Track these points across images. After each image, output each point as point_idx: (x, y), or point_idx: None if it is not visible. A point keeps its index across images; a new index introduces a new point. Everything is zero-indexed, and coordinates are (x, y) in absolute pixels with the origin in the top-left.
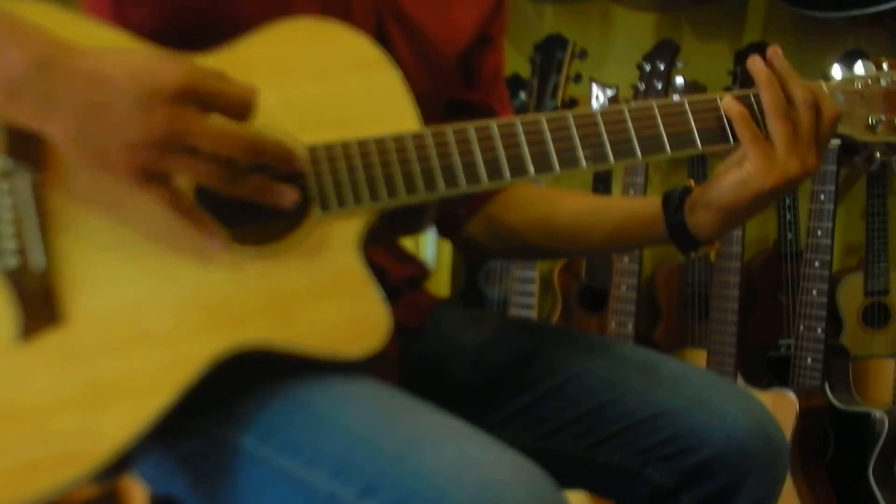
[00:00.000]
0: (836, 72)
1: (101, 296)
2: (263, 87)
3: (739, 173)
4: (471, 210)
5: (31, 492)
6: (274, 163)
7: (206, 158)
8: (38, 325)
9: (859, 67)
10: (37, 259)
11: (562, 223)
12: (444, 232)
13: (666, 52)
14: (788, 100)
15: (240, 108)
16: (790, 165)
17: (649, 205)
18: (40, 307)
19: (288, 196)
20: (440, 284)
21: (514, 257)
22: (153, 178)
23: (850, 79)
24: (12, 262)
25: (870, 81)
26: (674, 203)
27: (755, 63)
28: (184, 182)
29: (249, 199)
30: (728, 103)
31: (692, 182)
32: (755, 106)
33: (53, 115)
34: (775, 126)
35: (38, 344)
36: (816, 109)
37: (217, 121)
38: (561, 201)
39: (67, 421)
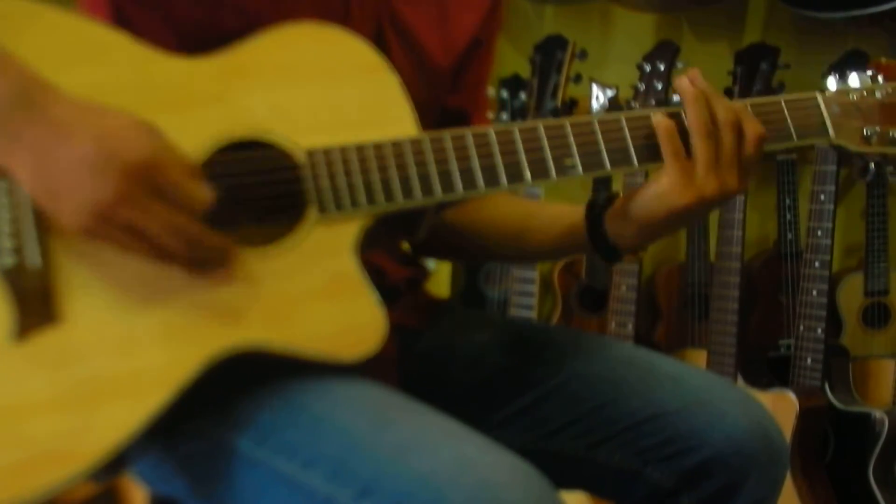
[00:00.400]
0: (832, 83)
1: (97, 296)
2: (263, 90)
3: (657, 187)
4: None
5: (26, 490)
6: (212, 260)
7: (146, 240)
8: (34, 324)
9: (854, 79)
10: (33, 258)
11: (507, 225)
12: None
13: (666, 52)
14: (713, 120)
15: (191, 206)
16: (707, 186)
17: (576, 212)
18: (36, 306)
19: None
20: (440, 285)
21: (455, 258)
22: (98, 237)
23: (845, 90)
24: (9, 260)
25: (865, 93)
26: (596, 212)
27: (681, 82)
28: None
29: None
30: (656, 118)
31: (619, 191)
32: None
33: (15, 154)
34: (696, 144)
35: (34, 343)
36: (739, 131)
37: (164, 209)
38: (505, 204)
39: (63, 420)
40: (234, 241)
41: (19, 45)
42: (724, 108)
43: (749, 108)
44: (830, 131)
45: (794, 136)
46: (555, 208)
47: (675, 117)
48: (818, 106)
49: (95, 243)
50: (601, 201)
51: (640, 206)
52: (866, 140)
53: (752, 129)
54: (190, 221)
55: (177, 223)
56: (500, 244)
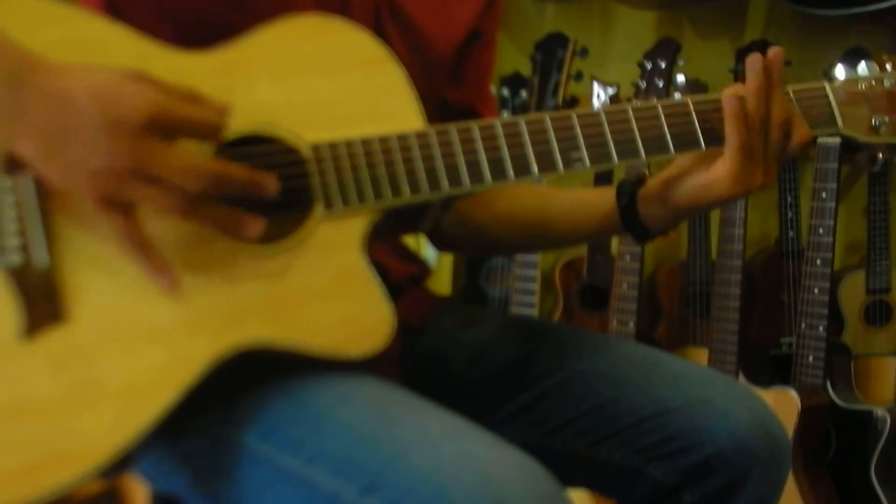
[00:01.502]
0: (840, 72)
1: (104, 294)
2: (267, 84)
3: (706, 177)
4: (445, 207)
5: (34, 491)
6: (243, 191)
7: (169, 189)
8: (40, 323)
9: (863, 68)
10: (40, 256)
11: (524, 217)
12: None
13: (667, 50)
14: (768, 115)
15: (207, 131)
16: (755, 177)
17: (605, 195)
18: (43, 305)
19: (252, 228)
20: (441, 283)
21: (481, 251)
22: (114, 205)
23: (853, 80)
24: (15, 259)
25: (873, 82)
26: (626, 194)
27: (755, 64)
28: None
29: (215, 229)
30: (728, 98)
31: (647, 172)
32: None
33: (19, 134)
34: (754, 137)
35: (41, 342)
36: (787, 130)
37: (183, 150)
38: (523, 195)
39: (70, 420)
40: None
41: (12, 38)
42: (780, 107)
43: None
44: (839, 121)
45: None
46: (576, 193)
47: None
48: (826, 95)
49: (105, 239)
50: (630, 185)
51: (682, 194)
52: (875, 130)
53: (802, 133)
54: (205, 160)
55: (197, 162)
56: (521, 234)
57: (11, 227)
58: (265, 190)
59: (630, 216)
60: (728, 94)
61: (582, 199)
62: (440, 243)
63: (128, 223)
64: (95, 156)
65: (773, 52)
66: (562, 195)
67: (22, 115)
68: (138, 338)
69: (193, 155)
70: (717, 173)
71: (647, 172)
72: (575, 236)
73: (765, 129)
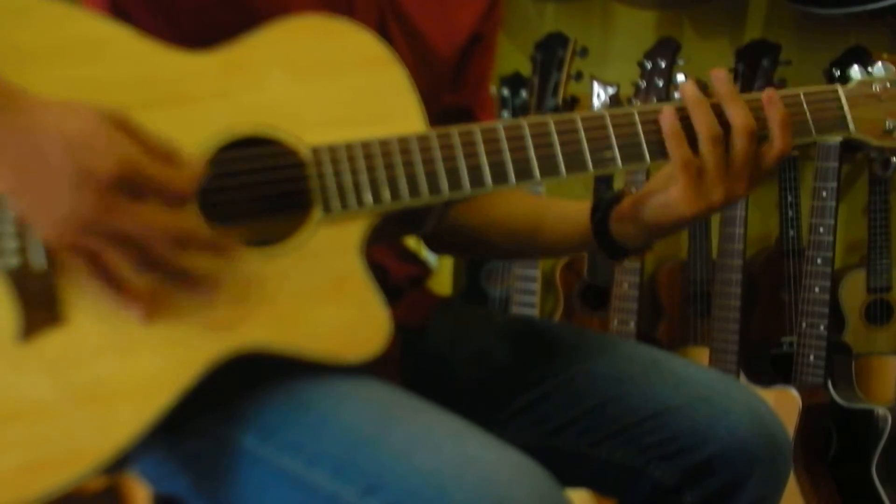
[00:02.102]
0: (856, 73)
1: (101, 297)
2: (268, 84)
3: (665, 196)
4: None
5: (32, 492)
6: (205, 251)
7: (130, 247)
8: (38, 326)
9: (879, 69)
10: (38, 259)
11: (516, 225)
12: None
13: (667, 49)
14: (727, 125)
15: (175, 196)
16: (714, 195)
17: (584, 211)
18: (41, 308)
19: (205, 294)
20: (442, 284)
21: (473, 256)
22: (75, 251)
23: (867, 81)
24: (13, 261)
25: (888, 84)
26: (601, 211)
27: (684, 88)
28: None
29: (171, 285)
30: (665, 117)
31: (627, 189)
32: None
33: None
34: (705, 151)
35: (39, 344)
36: (755, 137)
37: (148, 209)
38: (517, 202)
39: (68, 421)
40: (236, 240)
41: (13, 39)
42: (741, 114)
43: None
44: (850, 125)
45: (813, 132)
46: (562, 206)
47: (685, 120)
48: (838, 99)
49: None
50: (606, 202)
51: (646, 212)
52: (888, 133)
53: (783, 143)
54: (173, 217)
55: (160, 223)
56: (514, 242)
57: (10, 230)
58: (227, 256)
59: (602, 234)
60: (664, 110)
61: (567, 211)
62: (435, 246)
63: (93, 265)
64: (59, 205)
65: (714, 72)
66: (552, 205)
67: None
68: (135, 340)
69: (157, 215)
70: (670, 193)
71: (623, 190)
72: (562, 248)
73: (720, 142)
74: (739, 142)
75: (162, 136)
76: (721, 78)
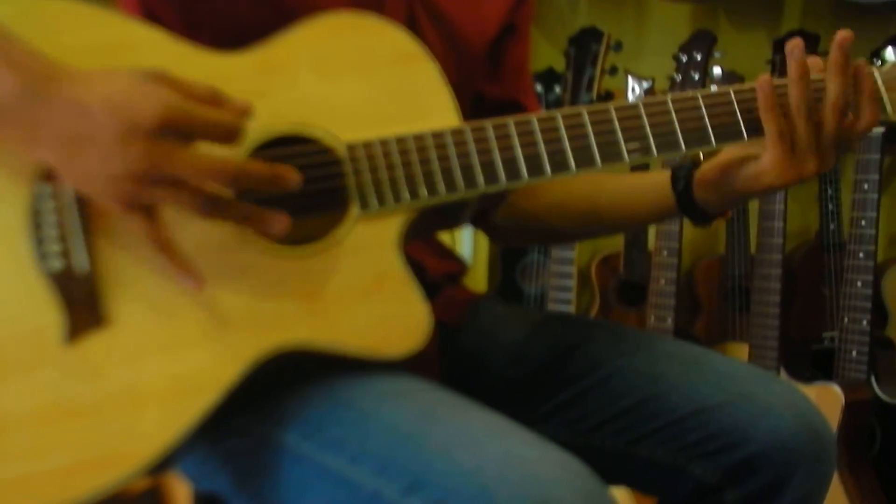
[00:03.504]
0: (891, 55)
1: (144, 298)
2: (303, 83)
3: (755, 167)
4: (497, 201)
5: (79, 492)
6: (264, 187)
7: (188, 190)
8: (82, 328)
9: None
10: (80, 262)
11: (577, 205)
12: (474, 222)
13: (702, 42)
14: (819, 98)
15: (224, 134)
16: (807, 166)
17: (659, 180)
18: (85, 309)
19: (277, 223)
20: (477, 280)
21: (537, 242)
22: (135, 208)
23: None
24: (56, 264)
25: None
26: (681, 178)
27: (795, 51)
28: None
29: (241, 226)
30: (762, 84)
31: (700, 155)
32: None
33: (40, 143)
34: (798, 125)
35: (84, 346)
36: (846, 113)
37: (201, 150)
38: (573, 183)
39: (114, 422)
40: (259, 251)
41: (54, 42)
42: (836, 90)
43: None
44: (888, 107)
45: (890, 113)
46: (629, 179)
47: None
48: (875, 81)
49: (140, 240)
50: (685, 170)
51: (733, 183)
52: None
53: (872, 115)
54: (224, 158)
55: (213, 160)
56: (574, 223)
57: (52, 233)
58: (287, 184)
59: (686, 201)
60: (760, 84)
61: (635, 184)
62: (496, 236)
63: (149, 226)
64: (110, 163)
65: (841, 33)
66: (614, 181)
67: (41, 125)
68: (179, 340)
69: (211, 154)
70: (762, 164)
71: (700, 157)
72: (629, 222)
73: (812, 116)
74: (831, 115)
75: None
76: (844, 44)
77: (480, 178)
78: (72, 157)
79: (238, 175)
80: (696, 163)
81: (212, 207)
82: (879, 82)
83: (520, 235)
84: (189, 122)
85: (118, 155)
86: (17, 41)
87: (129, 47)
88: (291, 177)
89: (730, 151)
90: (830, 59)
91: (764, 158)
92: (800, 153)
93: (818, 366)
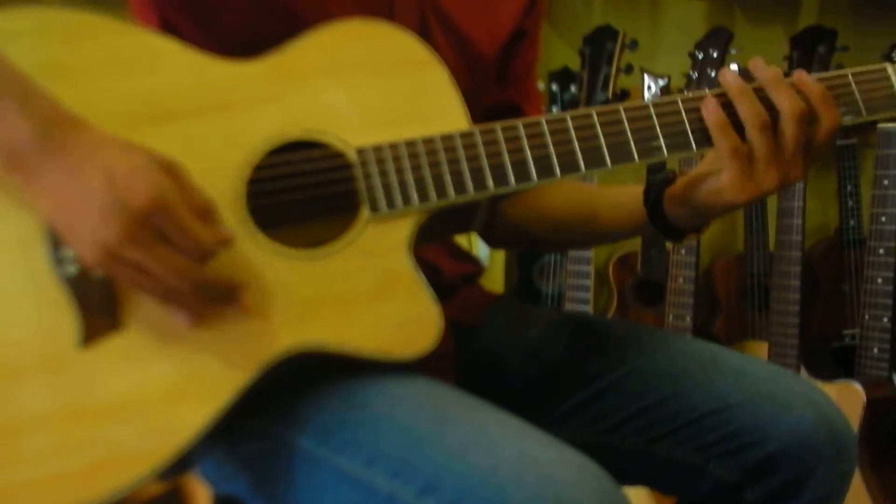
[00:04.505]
0: None
1: (157, 302)
2: (314, 89)
3: (716, 183)
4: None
5: (96, 493)
6: (219, 301)
7: (153, 278)
8: (98, 332)
9: None
10: None
11: (567, 215)
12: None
13: (719, 39)
14: (775, 109)
15: (194, 251)
16: (767, 181)
17: (635, 193)
18: (100, 314)
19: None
20: (494, 281)
21: (527, 248)
22: (108, 273)
23: None
24: (72, 269)
25: None
26: (653, 193)
27: (724, 77)
28: None
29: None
30: (707, 108)
31: (676, 170)
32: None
33: (35, 190)
34: (753, 139)
35: (100, 349)
36: (805, 120)
37: (169, 251)
38: (567, 192)
39: (131, 423)
40: (285, 243)
41: (73, 54)
42: (787, 98)
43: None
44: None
45: (863, 111)
46: (614, 192)
47: (730, 106)
48: (888, 77)
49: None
50: (657, 185)
51: (697, 196)
52: None
53: (829, 118)
54: (193, 265)
55: (180, 266)
56: (567, 232)
57: None
58: (238, 304)
59: (657, 216)
60: (707, 101)
61: (620, 197)
62: (490, 240)
63: (132, 279)
64: (89, 229)
65: (751, 62)
66: (603, 192)
67: (39, 174)
68: (192, 342)
69: (179, 257)
70: (721, 180)
71: (675, 171)
72: (617, 234)
73: (768, 129)
74: (789, 127)
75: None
76: (760, 66)
77: (490, 181)
78: (59, 212)
79: (200, 286)
80: (670, 178)
81: (169, 297)
82: (893, 79)
83: (510, 241)
84: (170, 224)
85: (97, 225)
86: (38, 90)
87: (145, 58)
88: (239, 297)
89: (701, 166)
90: (762, 79)
91: (722, 176)
92: (759, 168)
93: (839, 363)
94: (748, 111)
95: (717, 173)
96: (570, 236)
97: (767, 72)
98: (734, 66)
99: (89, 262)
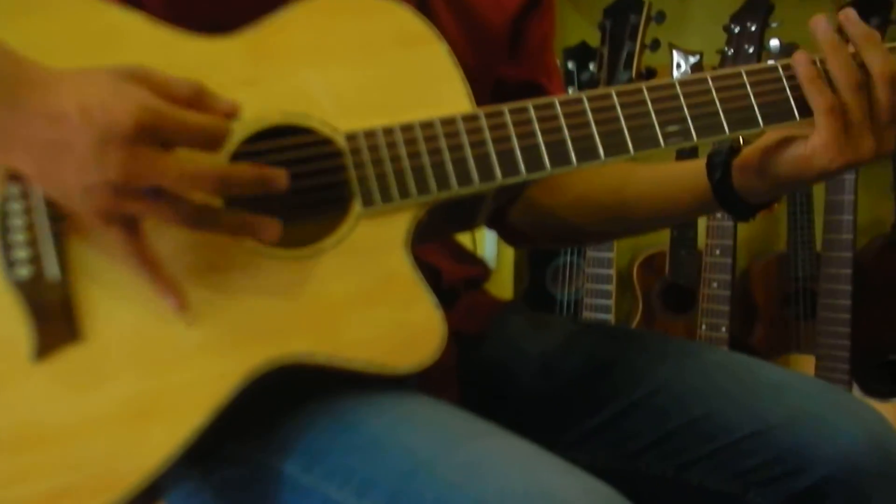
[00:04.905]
0: None
1: (122, 309)
2: (298, 69)
3: (804, 148)
4: (512, 197)
5: None
6: (252, 191)
7: (170, 200)
8: (56, 342)
9: None
10: (51, 269)
11: (602, 200)
12: (487, 222)
13: (758, 10)
14: (866, 71)
15: (207, 139)
16: (864, 146)
17: (694, 168)
18: (58, 322)
19: (268, 231)
20: (502, 285)
21: (557, 244)
22: (114, 221)
23: None
24: (24, 272)
25: None
26: (718, 165)
27: (818, 26)
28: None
29: (229, 236)
30: (798, 59)
31: (740, 141)
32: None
33: (14, 151)
34: (848, 100)
35: (57, 362)
36: None
37: (183, 155)
38: (599, 175)
39: (94, 445)
40: (249, 254)
41: (34, 28)
42: (882, 59)
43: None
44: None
45: None
46: (660, 169)
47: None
48: None
49: (112, 255)
50: (723, 156)
51: (781, 167)
52: None
53: None
54: (209, 163)
55: (195, 167)
56: (599, 219)
57: (20, 238)
58: (276, 185)
59: (725, 191)
60: (798, 57)
61: (667, 175)
62: (510, 236)
63: (130, 239)
64: (86, 172)
65: (842, 13)
66: (644, 172)
67: (15, 132)
68: (161, 356)
69: (193, 159)
70: (812, 144)
71: (740, 141)
72: (661, 219)
73: (863, 89)
74: (883, 90)
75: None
76: (853, 20)
77: (497, 170)
78: (46, 167)
79: (224, 180)
80: (735, 148)
81: (197, 218)
82: None
83: (537, 235)
84: (169, 127)
85: (94, 164)
86: None
87: (111, 33)
88: (279, 176)
89: (773, 133)
90: (854, 35)
91: (814, 138)
92: (854, 131)
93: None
94: (842, 69)
95: (803, 137)
96: (614, 224)
97: (861, 27)
98: (775, 42)
99: (98, 209)
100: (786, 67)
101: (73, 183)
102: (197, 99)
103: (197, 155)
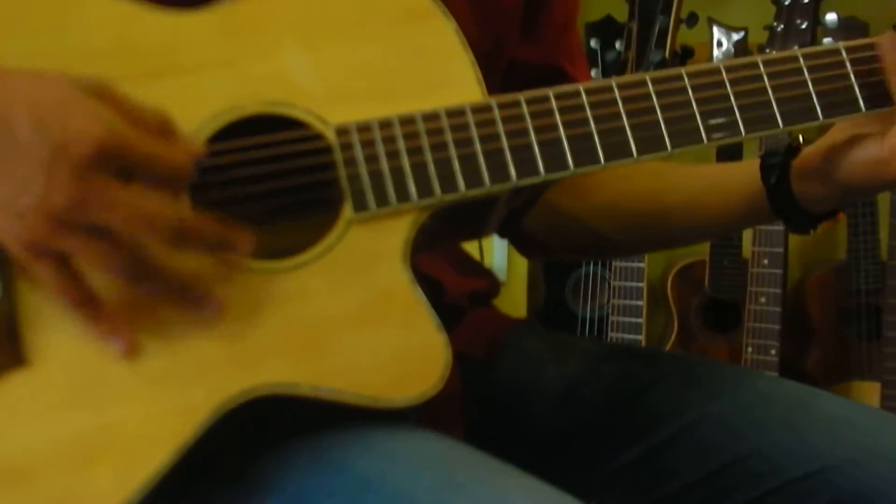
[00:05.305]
0: None
1: (75, 331)
2: (282, 50)
3: (878, 149)
4: (530, 200)
5: None
6: (207, 250)
7: (113, 242)
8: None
9: None
10: None
11: (636, 206)
12: (499, 228)
13: None
14: None
15: (171, 176)
16: None
17: (745, 171)
18: (1, 343)
19: (238, 245)
20: (514, 301)
21: (577, 255)
22: (43, 255)
23: None
24: None
25: None
26: (775, 167)
27: None
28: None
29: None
30: (888, 47)
31: (800, 139)
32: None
33: None
34: None
35: (0, 390)
36: None
37: (136, 193)
38: (634, 176)
39: (43, 485)
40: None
41: None
42: None
43: None
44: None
45: None
46: (705, 171)
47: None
48: None
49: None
50: (780, 158)
51: (850, 171)
52: None
53: None
54: (172, 204)
55: (153, 208)
56: (630, 229)
57: None
58: (236, 251)
59: (782, 198)
60: (886, 39)
61: (713, 178)
62: (524, 245)
63: (61, 277)
64: (23, 193)
65: None
66: (685, 175)
67: None
68: (118, 386)
69: (151, 199)
70: (891, 145)
71: (799, 139)
72: (704, 230)
73: None
74: None
75: (153, 105)
76: None
77: (512, 169)
78: None
79: (181, 231)
80: (794, 147)
81: (137, 272)
82: None
83: (555, 245)
84: (133, 158)
85: (35, 185)
86: None
87: (62, 9)
88: (243, 243)
89: (839, 130)
90: None
91: (892, 138)
92: None
93: None
94: None
95: (876, 136)
96: (647, 234)
97: None
98: (832, 16)
99: (26, 238)
100: (851, 50)
101: (6, 201)
102: (162, 130)
103: (155, 195)
